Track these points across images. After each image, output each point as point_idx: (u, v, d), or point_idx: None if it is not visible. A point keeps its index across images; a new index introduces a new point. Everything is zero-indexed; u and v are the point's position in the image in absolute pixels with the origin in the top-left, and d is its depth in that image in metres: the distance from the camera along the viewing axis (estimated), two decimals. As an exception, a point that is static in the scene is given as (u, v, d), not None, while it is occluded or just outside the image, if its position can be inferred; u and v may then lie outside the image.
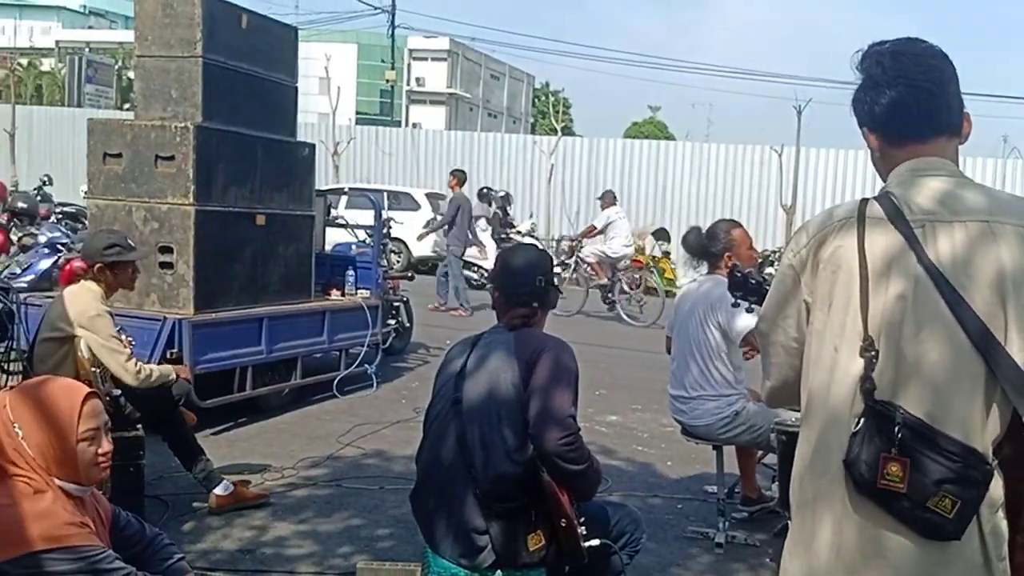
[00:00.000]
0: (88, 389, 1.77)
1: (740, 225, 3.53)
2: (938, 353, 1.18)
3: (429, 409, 2.24)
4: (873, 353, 1.21)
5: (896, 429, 1.16)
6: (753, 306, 1.89)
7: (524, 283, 2.22)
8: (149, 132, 4.51)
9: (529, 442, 2.02)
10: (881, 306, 1.22)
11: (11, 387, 1.68)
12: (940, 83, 1.30)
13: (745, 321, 3.15)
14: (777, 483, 3.02)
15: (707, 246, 3.38)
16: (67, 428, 1.65)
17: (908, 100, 1.30)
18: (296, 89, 5.29)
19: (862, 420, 1.20)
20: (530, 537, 2.02)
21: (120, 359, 3.18)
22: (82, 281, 3.30)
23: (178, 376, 3.46)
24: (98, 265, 3.26)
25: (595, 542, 2.09)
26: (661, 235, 15.21)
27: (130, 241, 3.47)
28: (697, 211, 16.71)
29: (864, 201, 1.30)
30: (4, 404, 1.63)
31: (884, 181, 1.35)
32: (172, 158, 4.45)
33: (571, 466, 2.01)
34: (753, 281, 1.87)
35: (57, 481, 1.63)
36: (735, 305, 2.03)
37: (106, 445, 1.73)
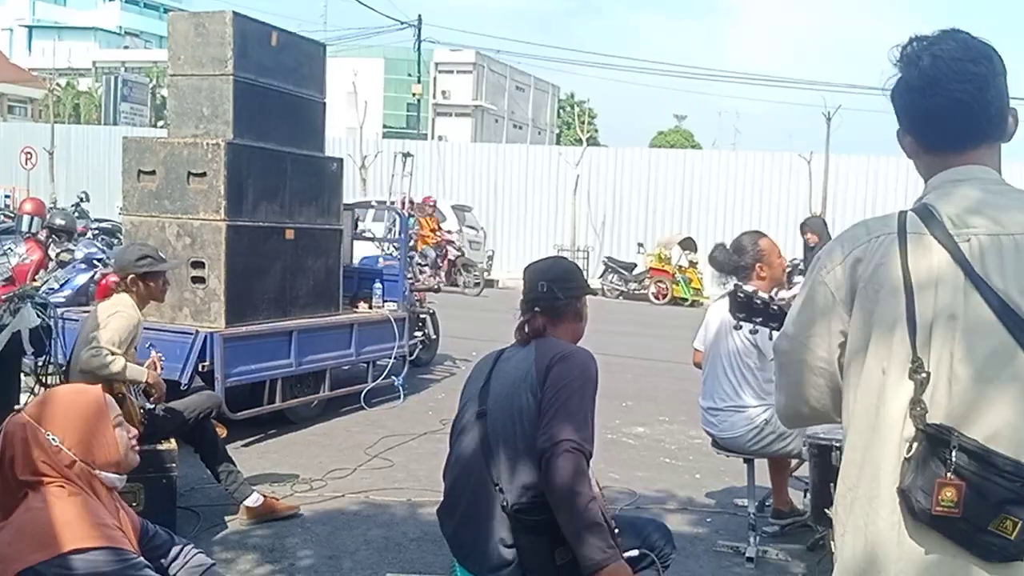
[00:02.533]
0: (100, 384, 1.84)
1: (765, 235, 3.50)
2: (992, 372, 1.14)
3: (455, 423, 2.24)
4: (923, 375, 1.16)
5: (951, 452, 1.12)
6: (758, 327, 1.83)
7: (530, 289, 2.23)
8: (182, 149, 4.61)
9: None
10: (929, 325, 1.17)
11: (17, 410, 1.71)
12: (980, 91, 1.23)
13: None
14: (810, 497, 2.95)
15: (736, 261, 3.34)
16: (102, 417, 1.71)
17: (943, 112, 1.24)
18: (324, 105, 5.37)
19: (915, 445, 1.16)
20: (558, 551, 1.99)
21: (90, 344, 3.11)
22: (116, 294, 3.38)
23: (150, 384, 3.28)
24: (131, 276, 3.34)
25: (634, 552, 2.07)
26: (688, 245, 15.12)
27: (160, 254, 3.56)
28: (725, 220, 16.58)
29: (903, 214, 1.25)
30: (25, 422, 1.66)
31: (924, 180, 1.31)
32: (204, 175, 4.55)
33: (567, 496, 1.89)
34: (758, 301, 1.81)
35: (102, 473, 1.67)
36: (737, 327, 1.96)
37: (132, 430, 1.81)
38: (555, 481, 1.90)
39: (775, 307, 1.83)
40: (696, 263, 15.03)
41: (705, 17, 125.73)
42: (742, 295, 1.82)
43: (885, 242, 1.23)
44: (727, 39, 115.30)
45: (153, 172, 4.67)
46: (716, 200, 16.74)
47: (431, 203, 14.09)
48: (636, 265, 15.22)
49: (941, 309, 1.17)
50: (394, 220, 9.98)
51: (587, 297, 2.29)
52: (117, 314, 3.21)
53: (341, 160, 5.60)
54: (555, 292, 2.20)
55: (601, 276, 15.24)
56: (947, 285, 1.17)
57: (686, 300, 14.04)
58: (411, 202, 14.05)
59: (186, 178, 4.59)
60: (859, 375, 1.24)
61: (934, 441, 1.14)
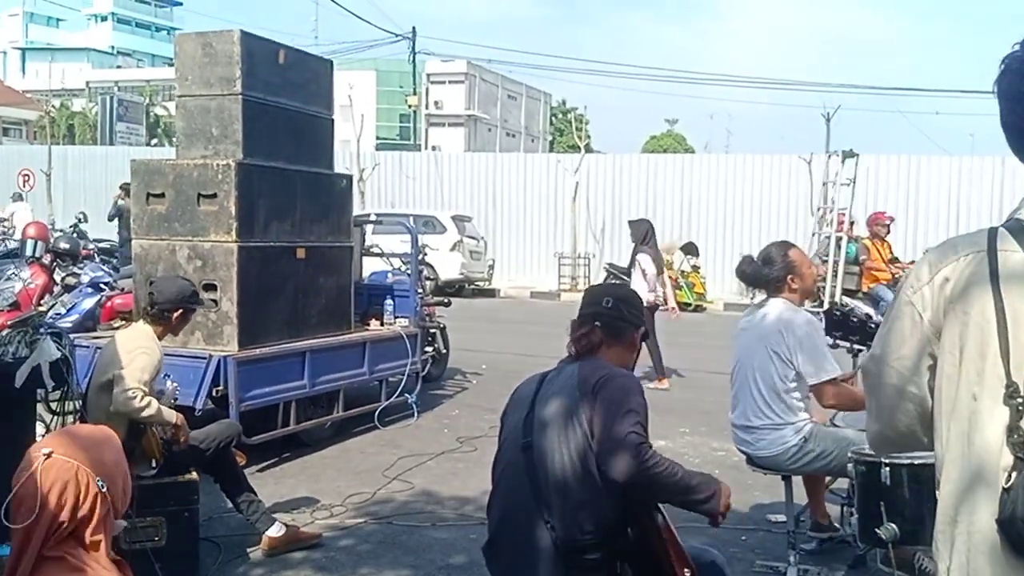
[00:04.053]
0: None
1: (794, 245, 3.42)
2: None
3: (498, 455, 2.16)
4: (1019, 400, 1.11)
5: None
6: (856, 346, 1.77)
7: (592, 303, 2.21)
8: (191, 171, 4.54)
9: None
10: None
11: (47, 453, 1.53)
12: None
13: (830, 366, 3.01)
14: (856, 515, 2.85)
15: (767, 273, 3.26)
16: (124, 462, 1.65)
17: (1008, 129, 1.22)
18: (332, 121, 5.30)
19: (1014, 474, 1.10)
20: None
21: (122, 386, 3.01)
22: (135, 323, 3.30)
23: (177, 427, 3.19)
24: (179, 311, 3.30)
25: None
26: (690, 249, 15.05)
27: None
28: (725, 224, 16.53)
29: (993, 230, 1.20)
30: (78, 467, 1.51)
31: None
32: (214, 196, 4.47)
33: (653, 480, 1.91)
34: (855, 319, 1.74)
35: (116, 522, 1.59)
36: (833, 346, 1.90)
37: None
38: (629, 471, 1.88)
39: (872, 325, 1.77)
40: (698, 267, 14.97)
41: (693, 20, 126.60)
42: (838, 313, 1.76)
43: (974, 260, 1.18)
44: (716, 42, 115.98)
45: (162, 195, 4.59)
46: (716, 204, 16.69)
47: (886, 220, 8.71)
48: (638, 271, 15.13)
49: None
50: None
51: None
52: (141, 351, 3.12)
53: (350, 177, 5.55)
54: (621, 310, 2.16)
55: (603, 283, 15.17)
56: None
57: (689, 305, 13.95)
58: (851, 223, 10.12)
59: (196, 200, 4.51)
60: (952, 401, 1.18)
61: None
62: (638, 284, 7.10)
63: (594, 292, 2.29)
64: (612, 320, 2.15)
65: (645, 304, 7.33)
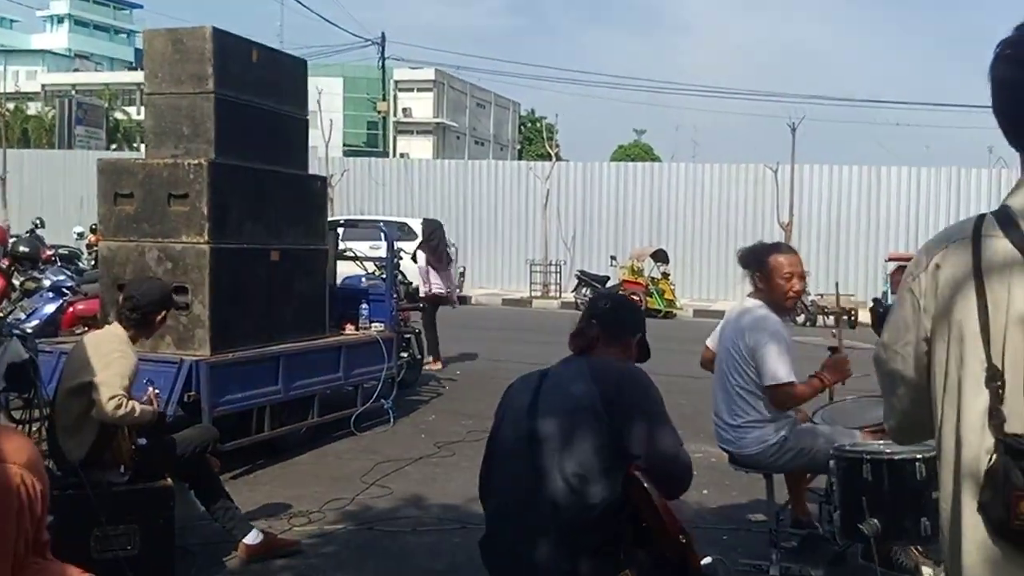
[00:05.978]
0: None
1: (784, 251, 3.29)
2: None
3: (493, 445, 2.14)
4: (999, 383, 1.12)
5: None
6: None
7: (592, 306, 2.32)
8: (161, 170, 4.42)
9: (618, 464, 1.94)
10: (1003, 331, 1.13)
11: None
12: (1018, 101, 1.20)
13: (775, 366, 3.00)
14: (836, 512, 2.88)
15: (745, 264, 3.28)
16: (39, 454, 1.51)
17: (1002, 110, 1.23)
18: (307, 122, 5.23)
19: (994, 456, 1.11)
20: (622, 573, 1.92)
21: (105, 394, 2.91)
22: (107, 326, 3.19)
23: (156, 415, 3.17)
24: (163, 313, 3.23)
25: (708, 559, 2.03)
26: (660, 256, 15.22)
27: None
28: (693, 231, 16.77)
29: (981, 217, 1.22)
30: (19, 471, 1.34)
31: None
32: (186, 196, 4.36)
33: (685, 483, 2.08)
34: None
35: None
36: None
37: None
38: (678, 484, 2.06)
39: None
40: (668, 274, 15.13)
41: (659, 32, 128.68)
42: (881, 309, 1.76)
43: (961, 246, 1.20)
44: (683, 54, 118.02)
45: (131, 195, 4.46)
46: (685, 212, 16.93)
47: None
48: (609, 278, 15.25)
49: (1015, 313, 1.13)
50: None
51: (640, 356, 2.31)
52: (117, 355, 3.01)
53: (325, 178, 5.48)
54: (618, 312, 2.26)
55: (575, 290, 15.23)
56: (1020, 289, 1.14)
57: (659, 311, 14.08)
58: None
59: (166, 200, 4.39)
60: (942, 386, 1.20)
61: (1013, 452, 1.09)
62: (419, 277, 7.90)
63: (595, 299, 2.44)
64: (608, 320, 2.21)
65: (421, 295, 8.16)
